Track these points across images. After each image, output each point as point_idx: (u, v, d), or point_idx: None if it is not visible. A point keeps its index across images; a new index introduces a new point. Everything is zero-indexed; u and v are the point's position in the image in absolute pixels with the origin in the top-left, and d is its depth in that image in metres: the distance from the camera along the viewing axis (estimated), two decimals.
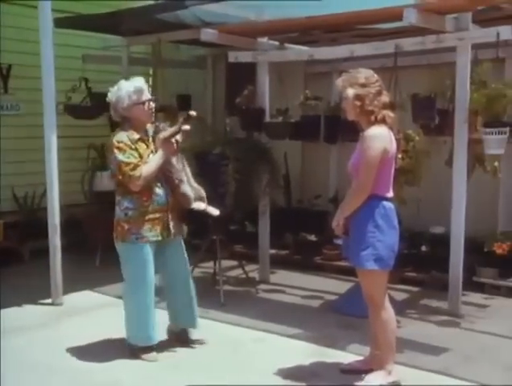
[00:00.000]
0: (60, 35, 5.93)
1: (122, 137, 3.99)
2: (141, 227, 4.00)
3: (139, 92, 4.02)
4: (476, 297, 5.39)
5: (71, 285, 5.36)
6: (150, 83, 7.04)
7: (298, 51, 6.01)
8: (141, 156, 3.98)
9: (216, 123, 7.37)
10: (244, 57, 5.91)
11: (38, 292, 5.31)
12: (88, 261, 6.46)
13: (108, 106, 6.68)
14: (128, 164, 3.91)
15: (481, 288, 5.55)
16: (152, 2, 6.36)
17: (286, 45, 6.07)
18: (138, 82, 4.07)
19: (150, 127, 4.16)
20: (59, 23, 5.88)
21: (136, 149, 3.97)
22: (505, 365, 4.04)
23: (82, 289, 5.61)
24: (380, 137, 3.49)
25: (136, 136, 4.02)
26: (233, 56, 5.94)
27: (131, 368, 4.00)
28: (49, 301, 5.23)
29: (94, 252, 6.52)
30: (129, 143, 3.95)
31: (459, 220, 4.89)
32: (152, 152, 4.05)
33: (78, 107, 6.59)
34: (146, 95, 4.07)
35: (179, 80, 7.43)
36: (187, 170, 4.23)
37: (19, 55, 6.62)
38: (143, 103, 4.02)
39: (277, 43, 6.01)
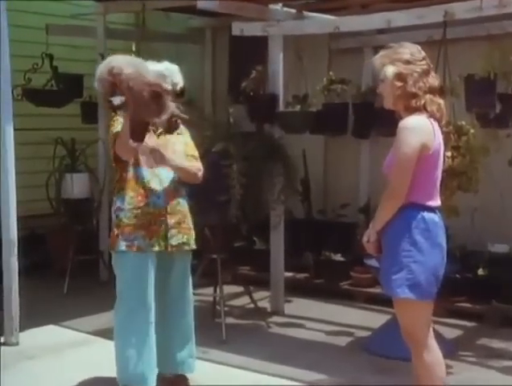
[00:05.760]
0: None
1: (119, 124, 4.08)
2: (132, 233, 4.02)
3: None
4: None
5: (31, 319, 5.30)
6: None
7: (320, 22, 6.01)
8: None
9: (217, 113, 7.39)
10: (252, 29, 5.90)
11: None
12: (54, 288, 6.45)
13: (80, 91, 6.58)
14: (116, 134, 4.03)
15: None
16: None
17: (306, 14, 6.06)
18: (177, 76, 4.36)
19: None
20: None
21: None
22: None
23: (45, 323, 5.56)
24: (417, 129, 3.44)
25: None
26: (237, 28, 5.94)
27: None
28: (1, 339, 5.16)
29: (62, 276, 6.51)
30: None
31: None
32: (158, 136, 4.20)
33: (41, 91, 6.59)
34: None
35: (169, 58, 7.38)
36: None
37: None
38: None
39: (294, 11, 5.99)
